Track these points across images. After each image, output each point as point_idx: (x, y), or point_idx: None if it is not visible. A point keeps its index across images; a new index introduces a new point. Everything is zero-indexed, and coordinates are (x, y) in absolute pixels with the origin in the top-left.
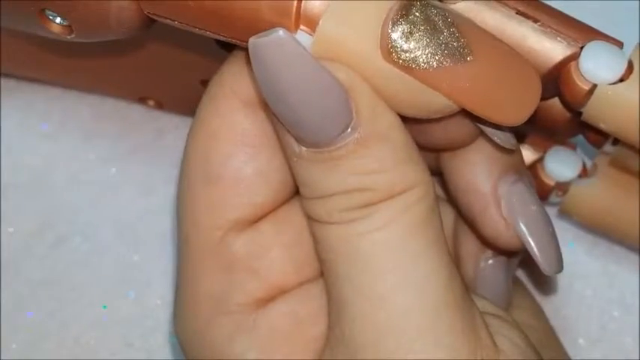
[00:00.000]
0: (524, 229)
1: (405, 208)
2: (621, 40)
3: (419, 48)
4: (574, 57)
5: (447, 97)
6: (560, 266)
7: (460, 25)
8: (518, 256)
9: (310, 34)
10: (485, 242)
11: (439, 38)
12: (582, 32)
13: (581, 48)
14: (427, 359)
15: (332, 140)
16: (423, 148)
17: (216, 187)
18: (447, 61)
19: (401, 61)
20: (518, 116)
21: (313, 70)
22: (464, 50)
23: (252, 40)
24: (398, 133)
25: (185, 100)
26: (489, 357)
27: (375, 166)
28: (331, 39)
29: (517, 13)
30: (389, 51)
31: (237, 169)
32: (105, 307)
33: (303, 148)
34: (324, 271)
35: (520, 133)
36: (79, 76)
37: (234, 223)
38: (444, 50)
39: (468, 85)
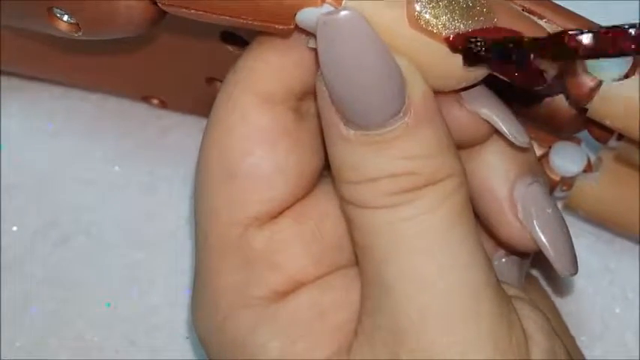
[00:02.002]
0: (539, 232)
1: (447, 194)
2: None
3: (444, 13)
4: None
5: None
6: (575, 268)
7: None
8: (531, 255)
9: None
10: (499, 243)
11: (463, 2)
12: (587, 28)
13: None
14: (470, 340)
15: (383, 123)
16: None
17: (235, 183)
18: (472, 24)
19: (428, 28)
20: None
21: (379, 50)
22: (488, 13)
23: (323, 17)
24: (441, 121)
25: (189, 98)
26: (521, 340)
27: (421, 151)
28: (357, 11)
29: (523, 10)
30: (415, 18)
31: (255, 165)
32: (108, 304)
33: (352, 131)
34: (361, 257)
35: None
36: (82, 74)
37: (253, 218)
38: (469, 13)
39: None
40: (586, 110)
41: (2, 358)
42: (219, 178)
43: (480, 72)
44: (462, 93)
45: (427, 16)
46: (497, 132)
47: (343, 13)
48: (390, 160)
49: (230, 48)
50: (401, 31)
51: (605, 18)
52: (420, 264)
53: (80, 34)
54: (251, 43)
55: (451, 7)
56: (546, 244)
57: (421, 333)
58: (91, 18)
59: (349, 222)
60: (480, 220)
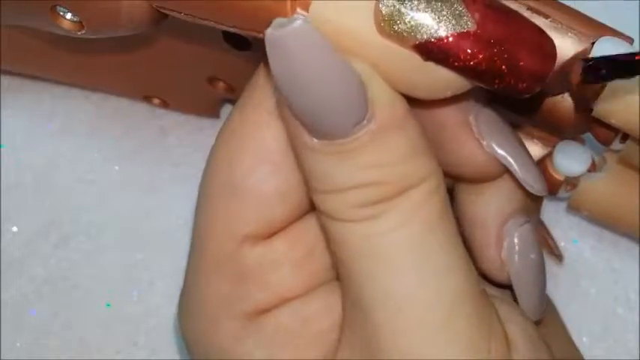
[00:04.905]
0: (516, 276)
1: (421, 202)
2: None
3: (414, 19)
4: (585, 53)
5: (451, 69)
6: (538, 315)
7: None
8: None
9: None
10: (477, 268)
11: (435, 7)
12: (593, 28)
13: (592, 44)
14: (447, 350)
15: (347, 132)
16: (446, 176)
17: (235, 199)
18: (445, 31)
19: (394, 34)
20: (535, 79)
21: (332, 60)
22: (463, 17)
23: (269, 32)
24: (411, 124)
25: (190, 98)
26: (501, 346)
27: (389, 158)
28: (325, 19)
29: (528, 9)
30: (383, 25)
31: (257, 184)
32: (109, 305)
33: (316, 140)
34: (340, 269)
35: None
36: (84, 74)
37: (248, 236)
38: (442, 19)
39: (471, 55)
40: (590, 110)
41: (3, 358)
42: (221, 190)
43: (462, 82)
44: (483, 130)
45: (394, 23)
46: (508, 171)
47: (291, 25)
48: (356, 169)
49: (233, 48)
50: (371, 39)
51: (606, 18)
52: (398, 280)
53: (83, 32)
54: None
55: (419, 13)
56: (519, 287)
57: (398, 344)
58: (95, 16)
59: (324, 232)
60: (465, 243)
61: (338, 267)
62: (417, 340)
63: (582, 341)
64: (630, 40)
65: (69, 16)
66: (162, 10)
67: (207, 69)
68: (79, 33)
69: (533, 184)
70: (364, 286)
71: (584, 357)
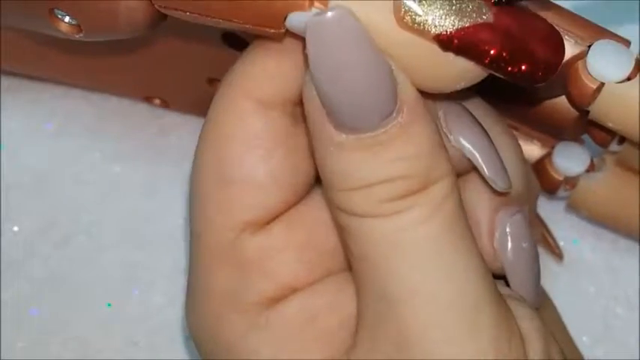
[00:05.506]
0: (509, 266)
1: (442, 198)
2: None
3: (432, 10)
4: (581, 56)
5: (471, 59)
6: (534, 304)
7: None
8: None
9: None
10: None
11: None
12: (590, 31)
13: (589, 47)
14: (473, 350)
15: (377, 125)
16: None
17: (229, 188)
18: (462, 22)
19: (415, 26)
20: (549, 67)
21: (369, 48)
22: (479, 8)
23: (311, 19)
24: (430, 119)
25: (191, 98)
26: (519, 344)
27: (415, 150)
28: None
29: None
30: (402, 17)
31: (249, 171)
32: (109, 305)
33: (344, 135)
34: (357, 266)
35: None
36: (84, 75)
37: (246, 224)
38: (459, 10)
39: (490, 44)
40: (588, 113)
41: (3, 358)
42: (213, 182)
43: (476, 73)
44: (451, 125)
45: (415, 13)
46: (474, 169)
47: (331, 13)
48: (385, 163)
49: (231, 49)
50: (389, 31)
51: (606, 18)
52: (421, 276)
53: (81, 35)
54: (248, 47)
55: (437, 4)
56: (513, 276)
57: (425, 345)
58: (92, 19)
59: (342, 230)
60: None
61: (354, 263)
62: (444, 335)
63: (582, 341)
64: (627, 43)
65: (67, 19)
66: (165, 11)
67: (207, 70)
68: (77, 36)
69: (496, 179)
70: (389, 281)
71: (584, 357)
